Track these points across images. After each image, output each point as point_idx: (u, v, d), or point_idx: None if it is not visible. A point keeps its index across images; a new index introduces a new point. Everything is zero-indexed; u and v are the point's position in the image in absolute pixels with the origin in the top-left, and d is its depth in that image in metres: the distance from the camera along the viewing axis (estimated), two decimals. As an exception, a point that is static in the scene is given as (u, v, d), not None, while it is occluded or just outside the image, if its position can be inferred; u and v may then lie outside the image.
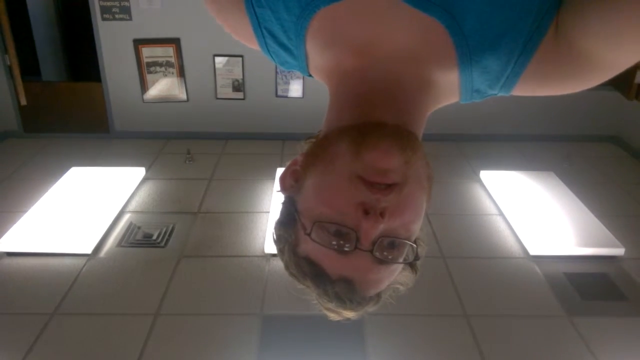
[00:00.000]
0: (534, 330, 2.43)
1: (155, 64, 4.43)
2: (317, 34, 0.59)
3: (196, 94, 4.57)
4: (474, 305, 2.57)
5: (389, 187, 0.51)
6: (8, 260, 2.88)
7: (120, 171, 3.77)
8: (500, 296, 2.66)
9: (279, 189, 0.63)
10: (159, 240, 3.09)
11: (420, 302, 2.53)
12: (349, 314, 0.60)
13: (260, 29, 0.63)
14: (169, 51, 4.38)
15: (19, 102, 4.44)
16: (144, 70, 4.44)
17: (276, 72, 4.45)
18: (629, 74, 4.23)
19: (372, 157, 0.51)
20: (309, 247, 0.56)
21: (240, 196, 3.64)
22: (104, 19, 4.24)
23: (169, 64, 4.43)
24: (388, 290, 0.60)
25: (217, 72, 4.47)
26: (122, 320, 2.45)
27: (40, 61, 5.14)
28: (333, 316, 0.61)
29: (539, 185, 3.67)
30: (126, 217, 3.34)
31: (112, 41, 4.34)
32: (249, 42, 0.67)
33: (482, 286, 2.74)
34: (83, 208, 3.26)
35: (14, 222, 3.10)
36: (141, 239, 3.10)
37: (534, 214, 3.30)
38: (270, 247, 2.91)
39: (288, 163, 0.62)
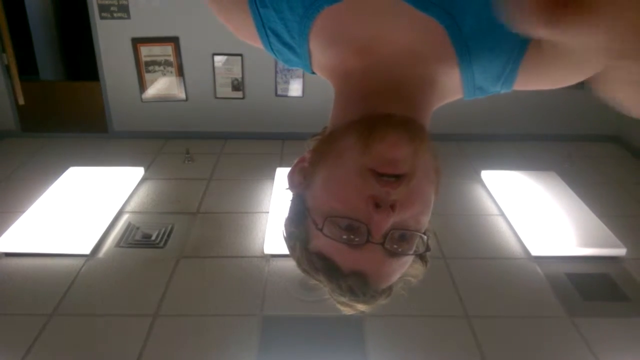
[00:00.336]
0: (535, 331, 2.42)
1: (153, 63, 4.41)
2: (320, 34, 0.60)
3: (195, 93, 4.55)
4: (475, 306, 2.56)
5: (398, 179, 0.51)
6: (6, 261, 2.87)
7: (118, 171, 3.75)
8: (501, 297, 2.65)
9: (287, 186, 0.63)
10: (158, 240, 3.07)
11: (420, 302, 2.52)
12: (362, 307, 0.60)
13: (264, 29, 0.64)
14: (167, 50, 4.36)
15: (16, 101, 4.42)
16: (143, 70, 4.42)
17: (276, 71, 4.44)
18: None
19: (381, 148, 0.52)
20: (321, 242, 0.56)
21: (239, 196, 3.62)
22: (102, 18, 4.22)
23: (167, 63, 4.42)
24: (399, 282, 0.61)
25: (217, 71, 4.45)
26: (121, 321, 2.44)
27: (38, 60, 5.12)
28: (346, 310, 0.62)
29: (541, 185, 3.65)
30: (125, 218, 3.32)
31: (110, 40, 4.32)
32: (252, 41, 0.68)
33: (483, 287, 2.73)
34: (81, 208, 3.25)
35: (12, 223, 3.08)
36: (140, 240, 3.08)
37: (535, 214, 3.28)
38: (270, 248, 2.89)
39: (295, 161, 0.62)
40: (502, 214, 3.40)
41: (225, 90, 4.52)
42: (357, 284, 0.55)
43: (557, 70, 0.56)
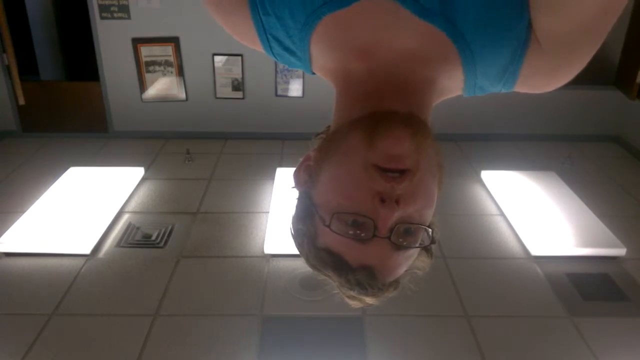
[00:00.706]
0: (535, 331, 2.42)
1: (154, 63, 4.41)
2: (321, 39, 0.62)
3: (195, 94, 4.55)
4: (474, 306, 2.56)
5: (402, 175, 0.53)
6: (7, 261, 2.87)
7: (119, 171, 3.76)
8: (501, 297, 2.65)
9: (293, 185, 0.64)
10: (158, 240, 3.07)
11: (420, 302, 2.52)
12: (371, 300, 0.61)
13: (266, 35, 0.65)
14: (167, 50, 4.36)
15: (17, 101, 4.42)
16: (143, 70, 4.43)
17: (276, 72, 4.44)
18: (630, 73, 4.22)
19: (385, 144, 0.53)
20: (329, 238, 0.57)
21: (239, 196, 3.62)
22: (102, 18, 4.22)
23: (168, 63, 4.42)
24: (406, 275, 0.62)
25: (217, 72, 4.45)
26: (121, 321, 2.44)
27: (38, 61, 5.12)
28: (354, 303, 0.63)
29: (541, 186, 3.65)
30: (125, 218, 3.32)
31: (111, 40, 4.32)
32: (252, 45, 0.69)
33: (483, 287, 2.73)
34: (82, 208, 3.25)
35: (13, 223, 3.09)
36: (140, 240, 3.09)
37: (535, 214, 3.28)
38: (270, 248, 2.90)
39: (300, 160, 0.64)
40: (502, 214, 3.40)
41: (226, 91, 4.53)
42: (366, 277, 0.57)
43: (557, 65, 0.58)
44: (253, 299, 2.59)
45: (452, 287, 2.68)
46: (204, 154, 4.31)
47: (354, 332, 2.38)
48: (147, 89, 4.51)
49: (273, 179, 3.72)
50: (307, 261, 0.62)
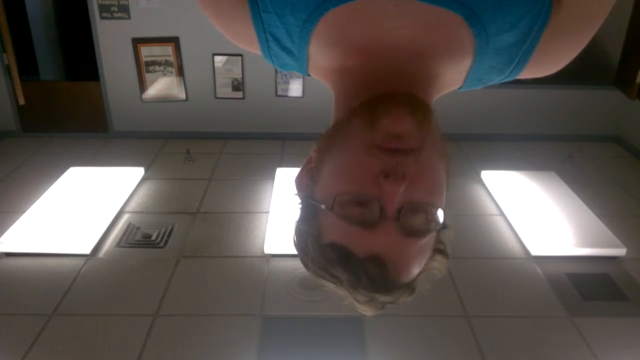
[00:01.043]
0: (535, 331, 2.42)
1: (154, 63, 4.41)
2: (322, 36, 0.60)
3: (195, 94, 4.55)
4: (474, 306, 2.56)
5: (407, 152, 0.51)
6: (7, 261, 2.87)
7: (119, 171, 3.76)
8: (501, 297, 2.65)
9: (295, 192, 0.61)
10: (158, 240, 3.07)
11: (420, 302, 2.51)
12: (383, 298, 0.56)
13: (265, 34, 0.63)
14: (167, 50, 4.36)
15: (17, 101, 4.42)
16: (143, 70, 4.43)
17: (276, 72, 4.44)
18: (630, 73, 4.22)
19: (386, 123, 0.51)
20: (333, 230, 0.54)
21: (239, 196, 3.62)
22: (102, 18, 4.22)
23: (168, 63, 4.42)
24: (421, 276, 0.59)
25: (217, 71, 4.45)
26: (121, 321, 2.44)
27: (38, 61, 5.12)
28: (367, 309, 0.58)
29: (541, 186, 3.65)
30: (125, 217, 3.32)
31: (111, 40, 4.32)
32: (248, 46, 0.67)
33: (483, 287, 2.73)
34: (82, 208, 3.25)
35: (13, 223, 3.09)
36: (140, 239, 3.09)
37: (535, 214, 3.28)
38: (270, 248, 2.90)
39: (302, 165, 0.61)
40: (502, 214, 3.40)
41: (226, 91, 4.53)
42: (374, 269, 0.53)
43: (568, 34, 0.58)
44: (253, 299, 2.59)
45: (452, 287, 2.68)
46: (204, 153, 4.31)
47: (354, 332, 2.38)
48: (147, 89, 4.51)
49: (273, 179, 3.72)
50: (312, 264, 0.58)
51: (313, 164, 0.59)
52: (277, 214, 3.22)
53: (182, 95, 4.55)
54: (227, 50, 4.35)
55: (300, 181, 0.61)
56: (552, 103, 4.61)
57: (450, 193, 0.58)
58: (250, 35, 0.64)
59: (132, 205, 3.48)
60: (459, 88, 0.67)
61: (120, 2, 4.17)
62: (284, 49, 0.64)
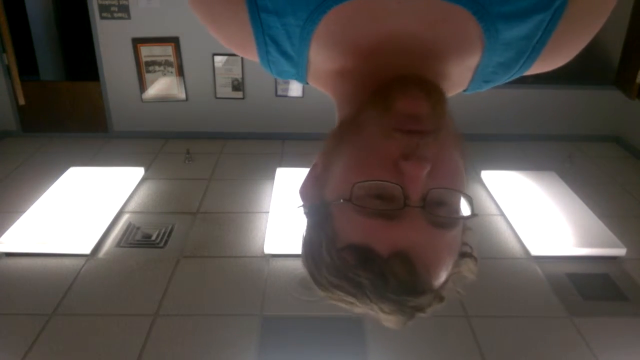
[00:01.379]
0: (535, 331, 2.42)
1: (154, 63, 4.41)
2: (323, 37, 0.56)
3: (195, 94, 4.55)
4: (474, 306, 2.56)
5: (426, 133, 0.47)
6: (7, 261, 2.87)
7: (119, 171, 3.76)
8: (501, 297, 2.65)
9: (301, 203, 0.56)
10: (158, 240, 3.07)
11: (421, 302, 2.52)
12: (414, 302, 0.49)
13: (264, 37, 0.58)
14: (167, 50, 4.36)
15: (17, 101, 4.42)
16: (143, 70, 4.43)
17: (276, 72, 4.43)
18: (630, 73, 4.22)
19: (402, 104, 0.48)
20: (351, 230, 0.48)
21: (239, 196, 3.62)
22: (102, 18, 4.22)
23: (168, 63, 4.42)
24: (451, 280, 0.54)
25: (217, 71, 4.45)
26: (121, 321, 2.44)
27: (38, 61, 5.12)
28: (394, 320, 0.52)
29: (541, 186, 3.65)
30: (125, 217, 3.32)
31: (111, 40, 4.32)
32: (243, 51, 0.63)
33: (483, 287, 2.72)
34: (82, 208, 3.25)
35: (13, 223, 3.09)
36: (140, 239, 3.09)
37: (535, 214, 3.28)
38: (270, 248, 2.90)
39: (306, 174, 0.57)
40: (502, 214, 3.40)
41: (226, 91, 4.53)
42: (402, 268, 0.46)
43: (581, 24, 0.56)
44: (253, 299, 2.59)
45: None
46: (204, 153, 4.31)
47: (354, 332, 2.38)
48: (147, 89, 4.51)
49: (273, 179, 3.72)
50: (328, 275, 0.50)
51: (319, 170, 0.55)
52: (277, 214, 3.22)
53: (182, 95, 4.55)
54: (227, 50, 4.28)
55: (305, 190, 0.55)
56: (552, 103, 4.61)
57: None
58: (246, 39, 0.59)
59: (132, 205, 3.48)
60: (464, 90, 0.65)
61: (120, 2, 4.17)
62: (283, 53, 0.60)
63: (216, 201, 3.56)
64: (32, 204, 3.31)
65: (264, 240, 3.01)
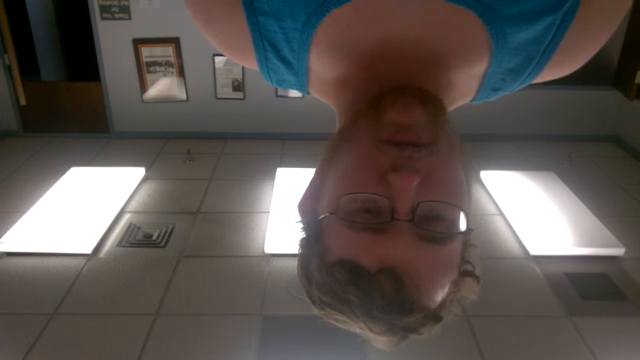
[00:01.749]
0: (534, 330, 2.43)
1: (154, 63, 4.42)
2: (323, 41, 0.54)
3: (196, 94, 4.56)
4: (474, 306, 2.55)
5: (419, 145, 0.45)
6: (8, 261, 2.88)
7: (120, 171, 3.76)
8: (500, 296, 2.66)
9: (299, 218, 0.54)
10: (158, 240, 3.08)
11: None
12: (403, 322, 0.47)
13: (262, 41, 0.56)
14: (168, 51, 4.37)
15: (18, 102, 4.43)
16: (144, 70, 4.44)
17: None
18: (629, 74, 4.23)
19: (392, 114, 0.46)
20: (339, 244, 0.47)
21: (240, 196, 3.63)
22: (103, 19, 4.24)
23: (168, 64, 4.43)
24: (451, 303, 0.50)
25: (217, 72, 4.46)
26: (122, 321, 2.45)
27: (39, 61, 5.13)
28: (384, 341, 0.50)
29: (539, 185, 3.66)
30: (126, 217, 3.33)
31: (112, 41, 4.33)
32: (241, 57, 0.60)
33: (482, 286, 2.73)
34: (83, 208, 3.26)
35: (14, 222, 3.10)
36: (141, 239, 3.10)
37: (534, 214, 3.29)
38: (270, 248, 2.91)
39: (305, 189, 0.55)
40: (501, 214, 3.41)
41: (226, 91, 4.54)
42: (389, 284, 0.44)
43: (593, 30, 0.54)
44: (253, 298, 2.60)
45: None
46: (204, 154, 4.32)
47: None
48: (147, 90, 4.52)
49: (273, 179, 3.73)
50: (318, 293, 0.49)
51: (317, 182, 0.53)
52: (277, 213, 3.23)
53: (183, 96, 4.56)
54: (228, 51, 4.35)
55: (303, 205, 0.54)
56: (551, 103, 4.62)
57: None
58: (244, 44, 0.57)
59: (133, 205, 3.49)
60: (471, 100, 0.62)
61: (121, 3, 4.18)
62: (283, 59, 0.57)
63: (217, 201, 3.57)
64: (33, 204, 3.32)
65: (264, 240, 3.02)
